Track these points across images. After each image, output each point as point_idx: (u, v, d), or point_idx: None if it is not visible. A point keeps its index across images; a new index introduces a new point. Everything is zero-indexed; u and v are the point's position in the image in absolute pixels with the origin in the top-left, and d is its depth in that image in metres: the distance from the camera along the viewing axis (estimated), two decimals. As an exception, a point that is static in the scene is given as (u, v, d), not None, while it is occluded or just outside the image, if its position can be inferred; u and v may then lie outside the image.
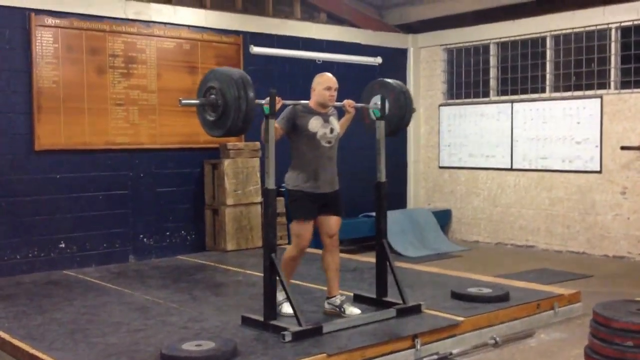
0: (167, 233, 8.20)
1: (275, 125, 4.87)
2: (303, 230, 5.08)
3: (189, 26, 8.30)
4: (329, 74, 5.18)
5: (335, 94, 5.17)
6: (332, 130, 5.14)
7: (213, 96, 4.53)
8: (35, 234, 7.24)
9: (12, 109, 7.10)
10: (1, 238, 7.03)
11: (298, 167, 5.12)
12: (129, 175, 7.91)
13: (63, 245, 7.43)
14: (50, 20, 7.26)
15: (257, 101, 4.63)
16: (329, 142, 5.12)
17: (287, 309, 5.01)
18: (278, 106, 4.79)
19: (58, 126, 7.34)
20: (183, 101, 4.62)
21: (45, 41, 7.23)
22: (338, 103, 5.27)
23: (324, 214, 5.16)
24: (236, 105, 4.43)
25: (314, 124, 5.07)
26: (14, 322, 5.18)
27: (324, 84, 5.12)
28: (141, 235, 8.00)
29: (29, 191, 7.21)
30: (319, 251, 8.37)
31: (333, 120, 5.19)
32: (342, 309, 5.17)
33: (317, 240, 8.65)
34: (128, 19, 7.82)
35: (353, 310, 5.18)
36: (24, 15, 7.12)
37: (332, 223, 5.20)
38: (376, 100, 5.49)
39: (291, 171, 5.16)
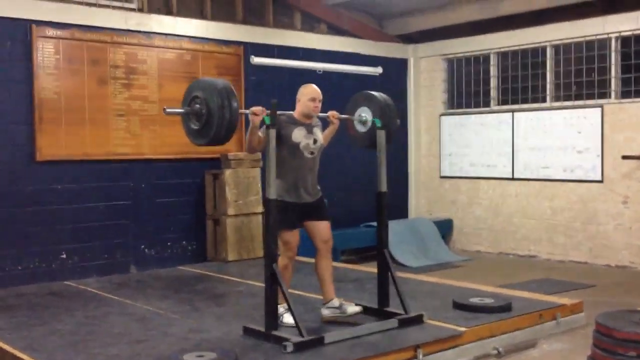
0: (168, 243, 8.19)
1: (259, 135, 4.92)
2: (289, 238, 5.10)
3: (190, 37, 8.32)
4: (313, 85, 5.23)
5: (319, 105, 5.20)
6: (315, 141, 5.18)
7: (197, 105, 4.57)
8: (36, 245, 7.24)
9: (14, 120, 7.11)
10: (2, 249, 7.03)
11: (279, 176, 5.05)
12: (130, 186, 7.91)
13: (64, 256, 7.42)
14: (51, 32, 7.28)
15: (241, 111, 4.72)
16: (312, 153, 5.15)
17: (288, 319, 4.99)
18: (261, 117, 4.82)
19: (59, 137, 7.35)
20: (167, 110, 4.67)
21: (46, 52, 7.25)
22: (322, 114, 5.31)
23: (311, 220, 5.20)
24: (220, 114, 4.48)
25: (298, 135, 5.11)
26: (15, 333, 5.17)
27: (309, 95, 5.17)
28: (142, 246, 7.99)
29: (30, 201, 7.21)
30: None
31: (317, 131, 5.24)
32: (344, 309, 5.15)
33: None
34: (129, 30, 7.84)
35: (355, 309, 5.16)
36: (25, 27, 7.14)
37: (323, 228, 5.24)
38: (361, 112, 5.51)
39: (277, 186, 5.07)
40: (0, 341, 4.90)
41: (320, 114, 5.29)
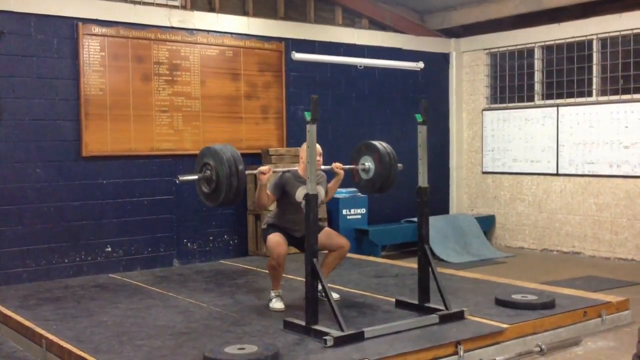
0: (211, 238, 8.29)
1: (268, 192, 5.42)
2: (277, 239, 5.48)
3: (231, 33, 8.39)
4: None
5: (321, 159, 5.54)
6: None
7: (208, 172, 4.91)
8: (82, 239, 7.40)
9: (61, 117, 7.27)
10: (50, 242, 7.20)
11: (278, 217, 5.65)
12: (173, 181, 8.01)
13: (109, 249, 7.57)
14: (97, 29, 7.42)
15: (249, 172, 5.16)
16: None
17: (275, 304, 5.56)
18: (268, 175, 5.26)
19: (105, 133, 7.49)
20: (181, 178, 5.03)
21: (92, 50, 7.40)
22: (327, 167, 5.65)
23: (298, 248, 5.63)
24: (228, 182, 4.81)
25: (301, 194, 5.36)
26: (62, 324, 5.29)
27: None
28: (185, 240, 8.10)
29: (77, 196, 7.38)
30: (361, 257, 8.38)
31: (320, 188, 5.41)
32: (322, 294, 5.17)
33: (362, 246, 8.61)
34: (172, 27, 7.94)
35: (334, 295, 5.30)
36: (71, 25, 7.29)
37: None
38: (364, 161, 5.82)
39: (273, 213, 5.73)
40: (47, 332, 5.02)
41: (325, 167, 5.65)
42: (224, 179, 4.77)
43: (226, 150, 4.87)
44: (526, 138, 9.75)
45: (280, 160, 8.35)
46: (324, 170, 5.70)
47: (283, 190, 5.54)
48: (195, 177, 4.98)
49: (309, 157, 4.85)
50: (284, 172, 5.63)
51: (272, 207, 5.82)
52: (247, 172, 4.97)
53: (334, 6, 9.45)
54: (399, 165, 5.77)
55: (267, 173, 5.25)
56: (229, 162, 4.79)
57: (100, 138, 7.47)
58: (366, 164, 5.79)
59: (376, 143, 5.79)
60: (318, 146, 5.27)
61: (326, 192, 5.77)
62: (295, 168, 5.70)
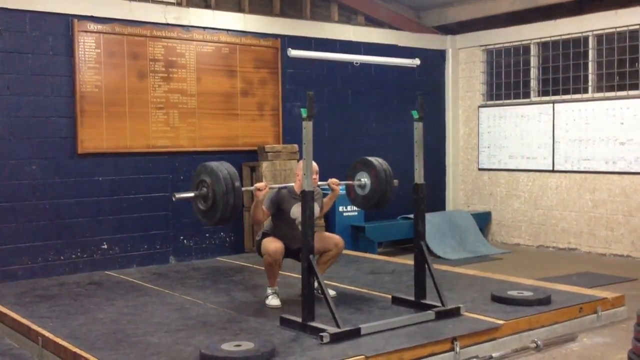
0: (207, 235, 8.28)
1: (263, 208, 5.43)
2: (271, 239, 5.54)
3: (227, 30, 8.37)
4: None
5: (317, 177, 5.60)
6: None
7: (204, 189, 4.91)
8: (78, 236, 7.39)
9: (56, 113, 7.26)
10: (45, 239, 7.19)
11: (273, 230, 5.66)
12: (169, 178, 8.01)
13: (105, 247, 7.56)
14: (92, 26, 7.40)
15: (245, 188, 5.23)
16: None
17: (271, 301, 5.58)
18: (264, 192, 5.26)
19: (100, 130, 7.47)
20: (177, 195, 5.02)
21: (87, 46, 7.38)
22: (323, 182, 5.70)
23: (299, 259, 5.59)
24: (224, 200, 4.80)
25: (296, 210, 5.44)
26: (58, 321, 5.29)
27: None
28: (181, 237, 8.09)
29: (72, 193, 7.36)
30: (358, 253, 8.39)
31: (315, 205, 5.40)
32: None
33: (358, 243, 8.62)
34: (168, 24, 7.93)
35: (330, 292, 5.34)
36: (67, 22, 7.27)
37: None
38: (360, 177, 5.83)
39: (268, 227, 5.73)
40: (43, 329, 5.01)
41: (321, 183, 5.71)
42: (220, 196, 4.78)
43: (222, 168, 4.89)
44: (522, 135, 9.76)
45: (276, 157, 8.34)
46: (319, 186, 5.74)
47: (278, 207, 5.57)
48: (192, 194, 4.99)
49: (305, 153, 4.84)
50: (280, 188, 5.65)
51: (266, 222, 5.85)
52: (243, 188, 4.98)
53: (330, 3, 9.44)
54: (395, 181, 5.78)
55: (264, 190, 5.26)
56: (225, 180, 4.80)
57: (96, 135, 7.45)
58: (362, 179, 5.80)
59: (372, 159, 5.80)
60: (314, 164, 5.28)
61: (321, 208, 5.85)
62: (291, 184, 5.72)
